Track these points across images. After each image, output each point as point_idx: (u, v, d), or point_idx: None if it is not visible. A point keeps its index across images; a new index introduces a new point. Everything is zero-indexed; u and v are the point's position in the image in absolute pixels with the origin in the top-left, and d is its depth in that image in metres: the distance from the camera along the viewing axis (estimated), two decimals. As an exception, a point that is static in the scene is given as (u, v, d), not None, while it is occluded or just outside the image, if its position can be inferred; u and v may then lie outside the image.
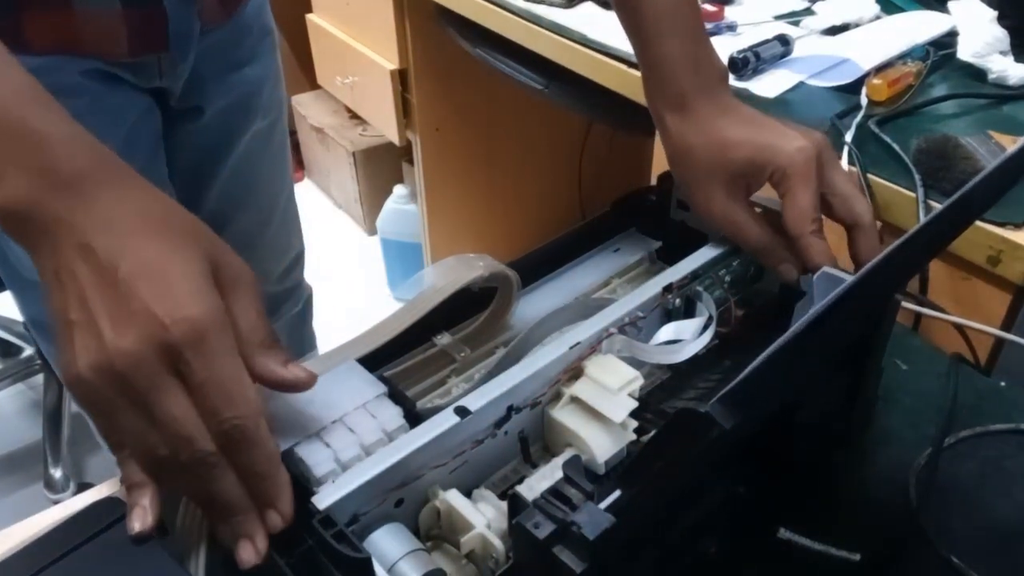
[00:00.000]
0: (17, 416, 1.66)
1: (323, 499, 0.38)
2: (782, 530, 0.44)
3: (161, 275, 0.35)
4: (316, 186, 2.50)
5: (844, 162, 0.75)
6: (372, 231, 2.16)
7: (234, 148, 0.95)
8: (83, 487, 1.41)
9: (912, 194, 0.71)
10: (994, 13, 0.90)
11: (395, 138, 1.67)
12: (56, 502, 1.53)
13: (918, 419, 0.58)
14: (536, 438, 0.48)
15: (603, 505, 0.34)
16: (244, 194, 1.01)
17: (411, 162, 1.78)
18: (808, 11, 1.10)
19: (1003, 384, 0.62)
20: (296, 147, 2.45)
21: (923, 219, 0.65)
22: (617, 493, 0.35)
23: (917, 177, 0.72)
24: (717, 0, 1.09)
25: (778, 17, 1.09)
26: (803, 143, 0.51)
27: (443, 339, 0.53)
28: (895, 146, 0.76)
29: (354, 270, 2.17)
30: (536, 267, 0.58)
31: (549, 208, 1.92)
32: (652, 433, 0.44)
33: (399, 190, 1.94)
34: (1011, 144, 0.72)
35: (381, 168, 2.14)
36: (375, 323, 0.50)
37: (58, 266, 0.35)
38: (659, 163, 1.01)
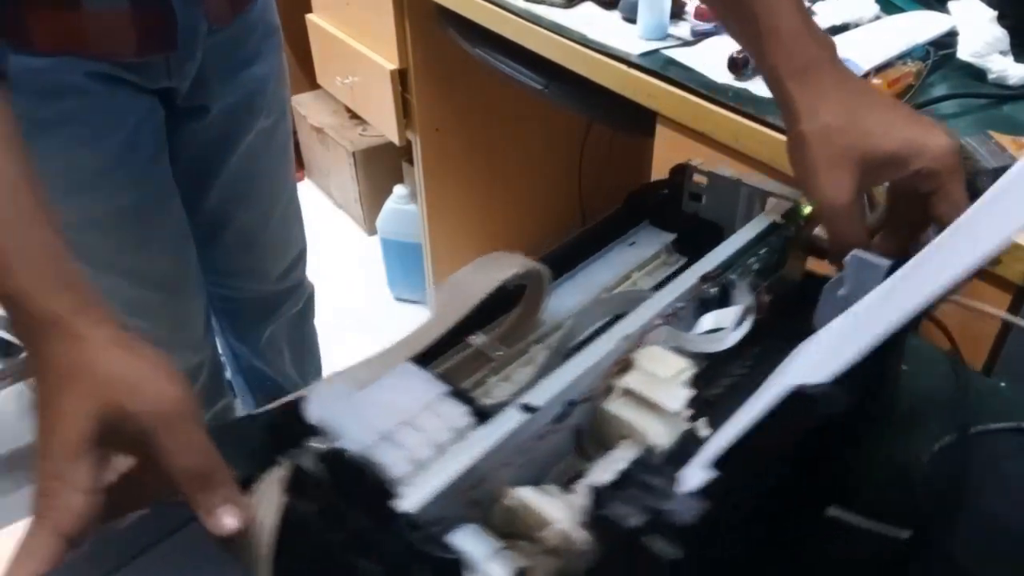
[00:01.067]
0: (17, 416, 1.66)
1: (407, 503, 0.37)
2: (831, 508, 0.44)
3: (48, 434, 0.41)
4: (316, 186, 2.50)
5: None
6: (372, 231, 2.16)
7: (238, 146, 0.95)
8: (83, 487, 1.41)
9: (912, 194, 0.71)
10: (994, 13, 0.90)
11: (395, 138, 1.67)
12: (56, 502, 1.53)
13: (918, 419, 0.58)
14: (587, 432, 0.48)
15: (690, 491, 0.34)
16: (246, 192, 1.01)
17: (411, 162, 1.78)
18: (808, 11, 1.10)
19: (1003, 384, 0.62)
20: (296, 147, 2.44)
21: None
22: (705, 478, 0.34)
23: (917, 177, 0.72)
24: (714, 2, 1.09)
25: (778, 17, 1.09)
26: (948, 140, 0.50)
27: (478, 339, 0.53)
28: (895, 146, 0.76)
29: (354, 270, 2.17)
30: (555, 265, 0.58)
31: (549, 208, 1.92)
32: (757, 415, 0.43)
33: (399, 190, 1.94)
34: (1011, 144, 0.72)
35: (381, 168, 2.14)
36: (420, 323, 0.50)
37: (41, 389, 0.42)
38: (659, 163, 1.01)
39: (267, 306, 1.17)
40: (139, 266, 0.91)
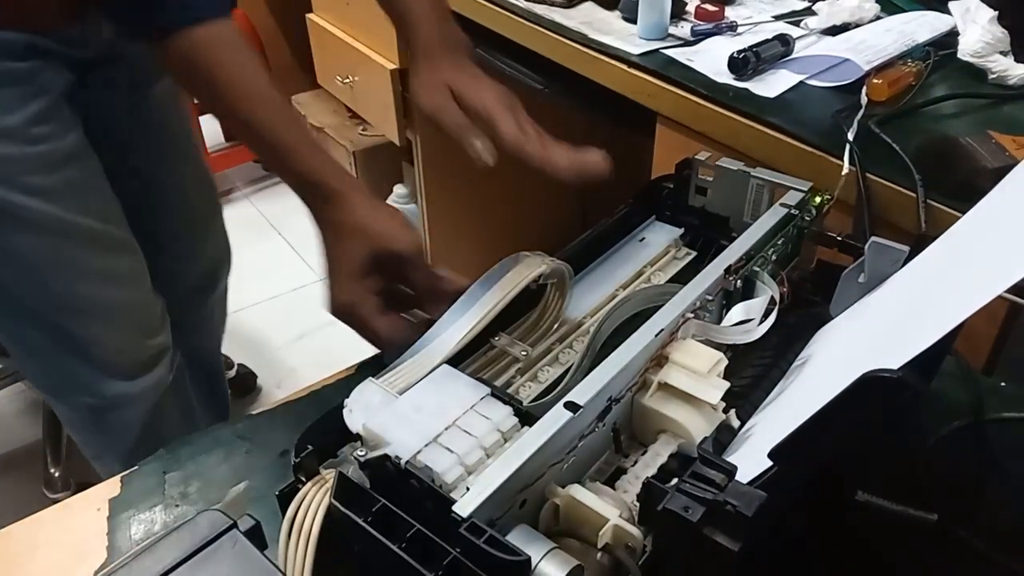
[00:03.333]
0: (17, 416, 1.66)
1: (465, 506, 0.37)
2: (860, 493, 0.44)
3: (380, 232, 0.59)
4: (316, 186, 2.50)
5: (845, 161, 0.75)
6: (372, 231, 2.15)
7: (145, 102, 0.96)
8: (82, 487, 1.41)
9: (912, 194, 0.71)
10: (994, 13, 0.90)
11: (395, 138, 1.67)
12: (56, 501, 1.53)
13: (920, 418, 0.58)
14: (623, 427, 0.48)
15: (746, 481, 0.34)
16: (164, 149, 1.03)
17: (411, 162, 1.78)
18: (808, 11, 1.10)
19: (1003, 384, 0.62)
20: (296, 147, 2.44)
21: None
22: (760, 467, 0.34)
23: (917, 177, 0.72)
24: (717, 0, 1.09)
25: (778, 17, 1.09)
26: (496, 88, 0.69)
27: (502, 340, 0.53)
28: (895, 146, 0.76)
29: (354, 270, 2.17)
30: (569, 263, 0.59)
31: (549, 207, 1.92)
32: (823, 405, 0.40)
33: (399, 190, 1.94)
34: (1011, 144, 0.72)
35: (381, 168, 2.14)
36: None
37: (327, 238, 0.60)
38: (659, 163, 1.01)
39: (211, 276, 1.19)
40: (116, 267, 0.93)
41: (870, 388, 0.32)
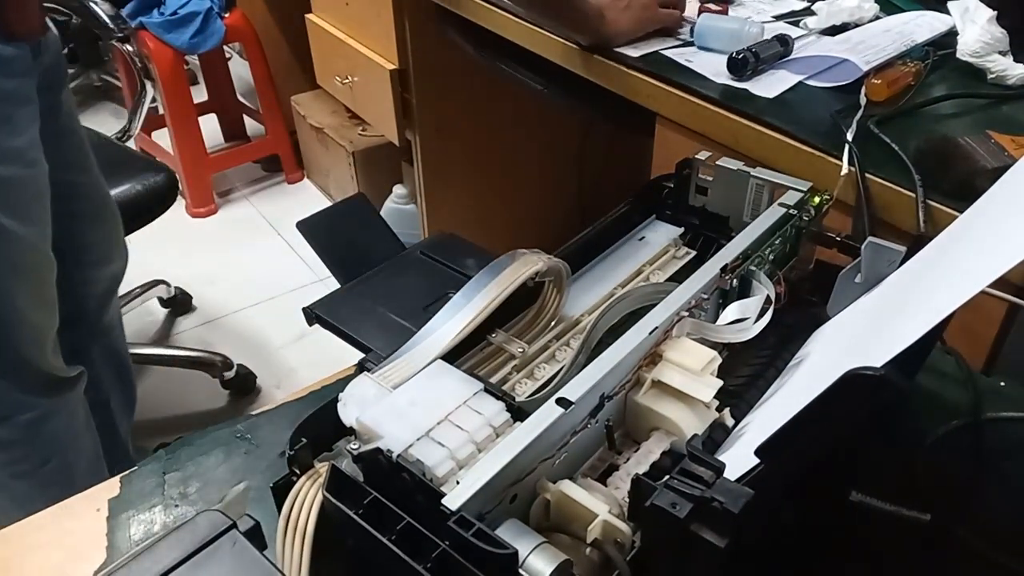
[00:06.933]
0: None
1: (454, 500, 0.37)
2: (854, 493, 0.44)
3: None
4: (315, 186, 2.50)
5: (844, 162, 0.75)
6: (372, 231, 2.15)
7: (60, 106, 0.97)
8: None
9: (911, 194, 0.71)
10: (993, 13, 0.90)
11: (394, 138, 1.67)
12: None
13: (918, 417, 0.58)
14: (616, 424, 0.48)
15: (735, 478, 0.34)
16: (79, 155, 1.03)
17: (410, 162, 1.78)
18: (808, 11, 1.10)
19: (1003, 384, 0.62)
20: (296, 147, 2.45)
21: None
22: (751, 465, 0.35)
23: (916, 177, 0.72)
24: (718, 0, 1.09)
25: (778, 17, 1.09)
26: None
27: (498, 337, 0.53)
28: (894, 146, 0.76)
29: (354, 270, 2.17)
30: (567, 262, 0.59)
31: (549, 208, 1.92)
32: (807, 402, 0.40)
33: (398, 190, 1.94)
34: (1010, 144, 0.72)
35: (380, 168, 2.14)
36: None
37: None
38: (659, 163, 1.01)
39: (117, 278, 1.20)
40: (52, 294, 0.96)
41: (852, 386, 0.32)
